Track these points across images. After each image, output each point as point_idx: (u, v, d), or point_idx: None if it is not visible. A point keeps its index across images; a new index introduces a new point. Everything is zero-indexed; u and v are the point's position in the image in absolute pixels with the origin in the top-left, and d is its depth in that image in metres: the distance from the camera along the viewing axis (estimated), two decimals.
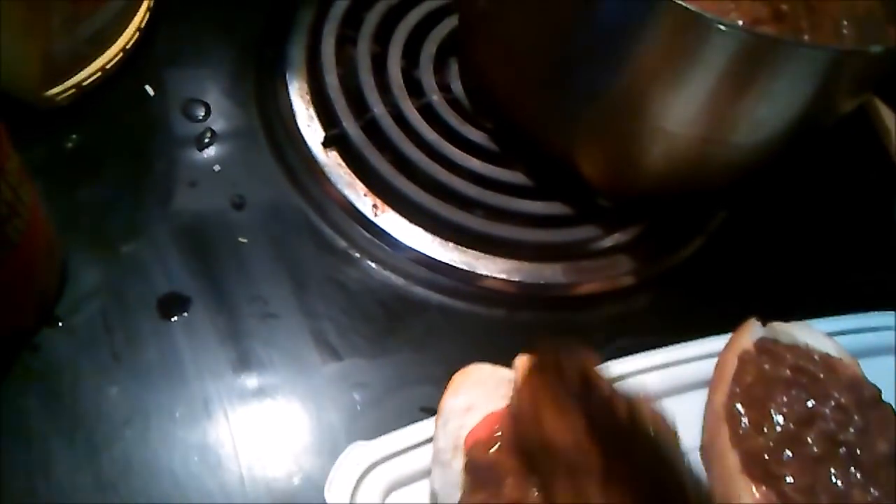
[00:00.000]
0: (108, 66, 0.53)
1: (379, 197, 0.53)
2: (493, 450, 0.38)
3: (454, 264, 0.52)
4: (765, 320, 0.48)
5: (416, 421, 0.44)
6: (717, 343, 0.48)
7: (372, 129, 0.55)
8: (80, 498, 0.42)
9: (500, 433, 0.39)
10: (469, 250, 0.53)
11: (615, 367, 0.47)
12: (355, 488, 0.41)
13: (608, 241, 0.56)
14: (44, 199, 0.45)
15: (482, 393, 0.42)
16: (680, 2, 0.41)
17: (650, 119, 0.48)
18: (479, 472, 0.38)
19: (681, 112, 0.47)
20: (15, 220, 0.39)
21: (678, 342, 0.49)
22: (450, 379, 0.44)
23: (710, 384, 0.45)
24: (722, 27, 0.42)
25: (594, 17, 0.46)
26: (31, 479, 0.42)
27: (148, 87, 0.55)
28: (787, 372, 0.43)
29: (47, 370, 0.45)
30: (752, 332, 0.46)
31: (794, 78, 0.44)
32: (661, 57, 0.45)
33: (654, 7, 0.42)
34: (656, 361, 0.48)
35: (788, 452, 0.40)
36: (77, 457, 0.43)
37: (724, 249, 0.58)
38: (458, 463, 0.40)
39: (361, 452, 0.42)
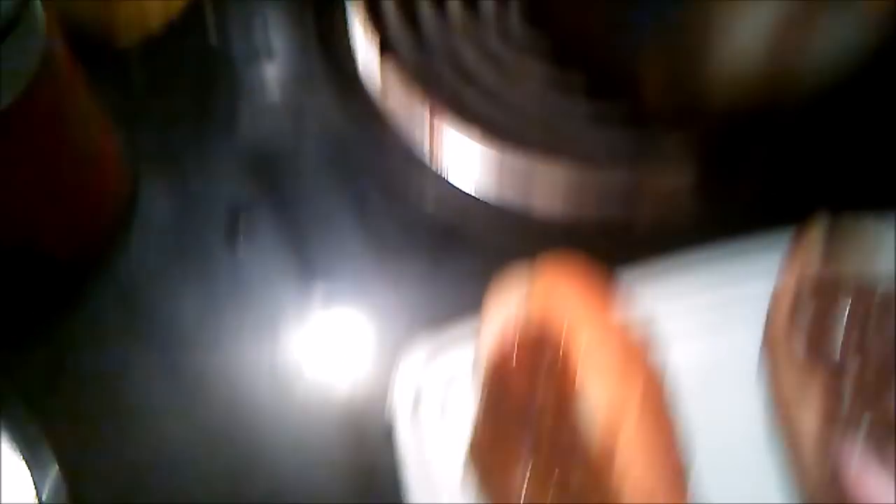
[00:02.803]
0: None
1: (435, 104, 0.53)
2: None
3: (511, 169, 0.52)
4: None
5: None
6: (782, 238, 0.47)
7: (426, 37, 0.55)
8: (157, 400, 0.45)
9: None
10: (526, 155, 0.52)
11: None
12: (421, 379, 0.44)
13: (668, 146, 0.54)
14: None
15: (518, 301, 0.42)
16: None
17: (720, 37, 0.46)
18: (490, 388, 0.40)
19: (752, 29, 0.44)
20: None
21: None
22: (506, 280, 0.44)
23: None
24: None
25: None
26: (108, 382, 0.45)
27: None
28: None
29: (123, 277, 0.48)
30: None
31: None
32: None
33: None
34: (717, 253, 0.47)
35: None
36: (153, 361, 0.46)
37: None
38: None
39: (426, 342, 0.44)
